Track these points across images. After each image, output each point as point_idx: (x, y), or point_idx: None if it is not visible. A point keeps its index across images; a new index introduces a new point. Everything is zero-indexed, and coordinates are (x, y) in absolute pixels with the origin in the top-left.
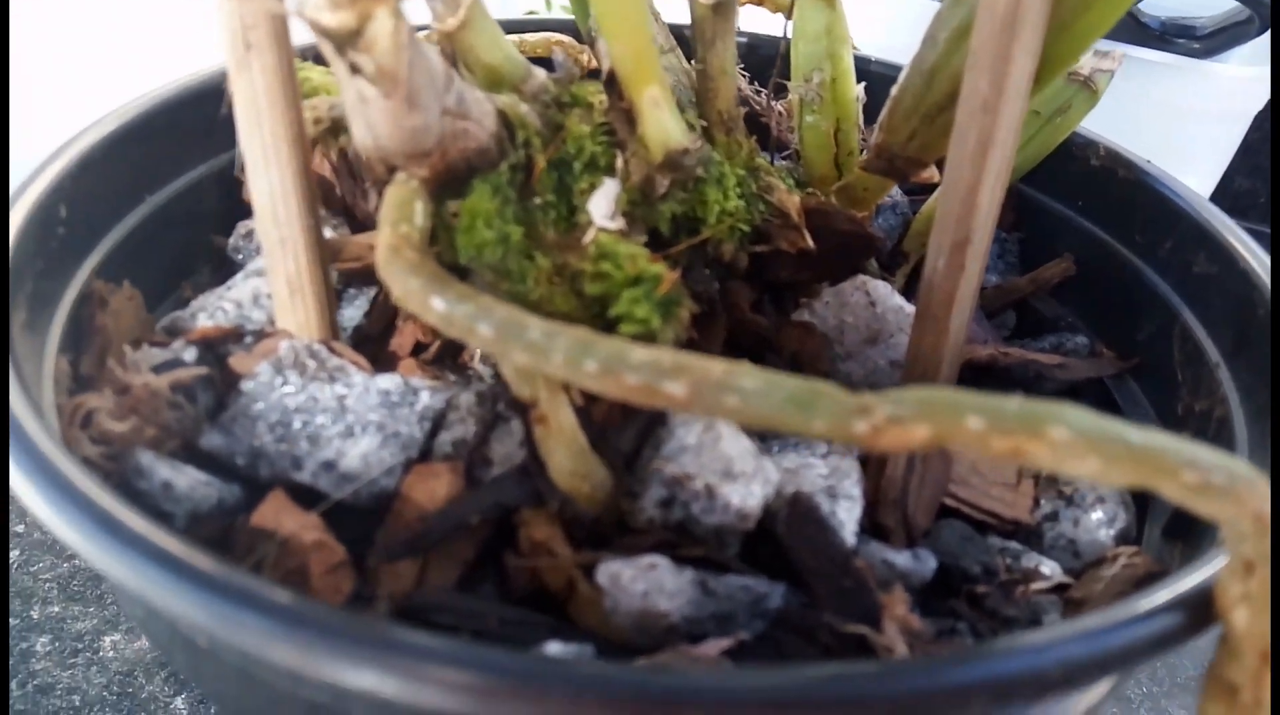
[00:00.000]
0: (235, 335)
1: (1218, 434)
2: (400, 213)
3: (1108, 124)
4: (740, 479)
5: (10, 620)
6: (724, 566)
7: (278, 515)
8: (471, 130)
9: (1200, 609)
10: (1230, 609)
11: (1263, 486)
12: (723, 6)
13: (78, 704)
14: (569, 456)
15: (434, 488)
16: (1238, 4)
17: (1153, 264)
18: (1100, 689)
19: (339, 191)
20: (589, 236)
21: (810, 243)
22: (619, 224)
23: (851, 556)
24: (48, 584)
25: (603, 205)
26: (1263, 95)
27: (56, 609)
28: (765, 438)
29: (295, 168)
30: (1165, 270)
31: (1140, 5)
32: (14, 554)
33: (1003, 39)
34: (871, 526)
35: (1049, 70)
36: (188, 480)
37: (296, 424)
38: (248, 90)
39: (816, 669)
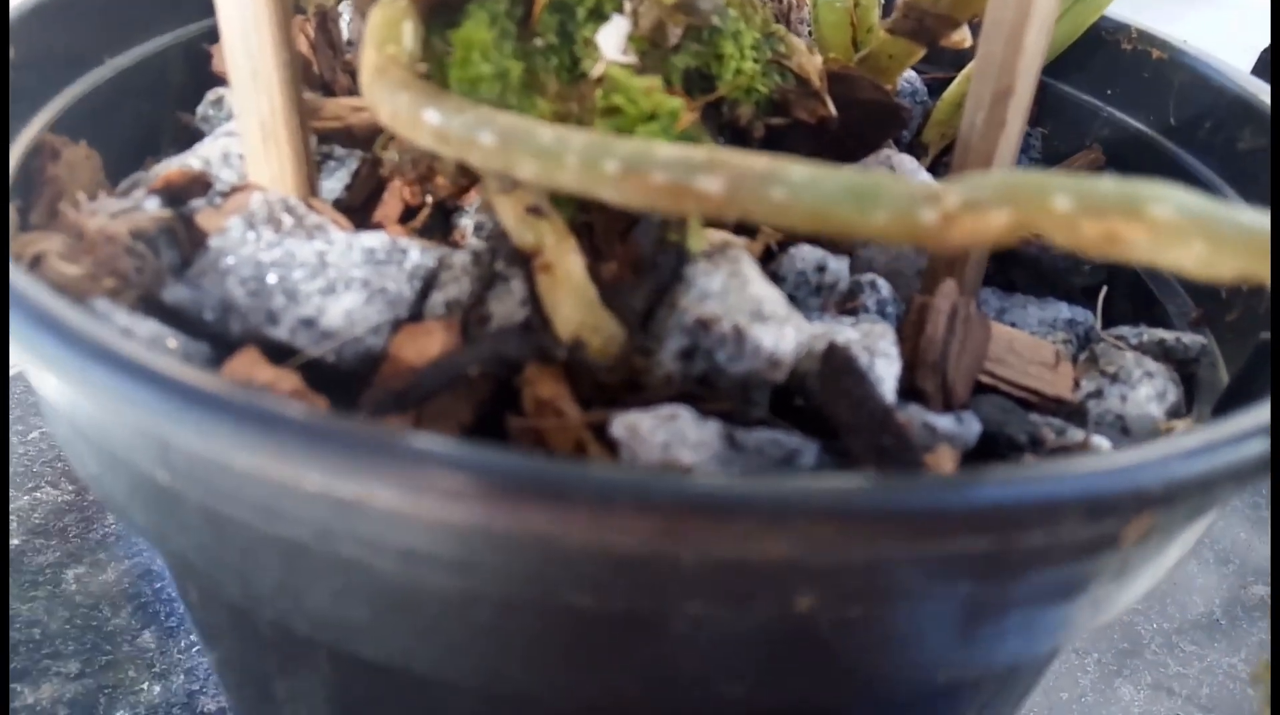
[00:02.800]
0: (202, 184)
1: (1264, 308)
2: (387, 33)
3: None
4: (772, 321)
5: None
6: (752, 419)
7: (251, 368)
8: None
9: None
10: None
11: None
12: None
13: (38, 637)
14: (577, 308)
15: (426, 346)
16: None
17: (1191, 147)
18: (1186, 542)
19: (317, 68)
20: (598, 70)
21: (832, 111)
22: (630, 58)
23: (892, 412)
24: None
25: (612, 38)
26: None
27: (16, 541)
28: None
29: None
30: (1206, 152)
31: None
32: None
33: None
34: (908, 392)
35: None
36: (149, 330)
37: (271, 278)
38: None
39: (871, 480)
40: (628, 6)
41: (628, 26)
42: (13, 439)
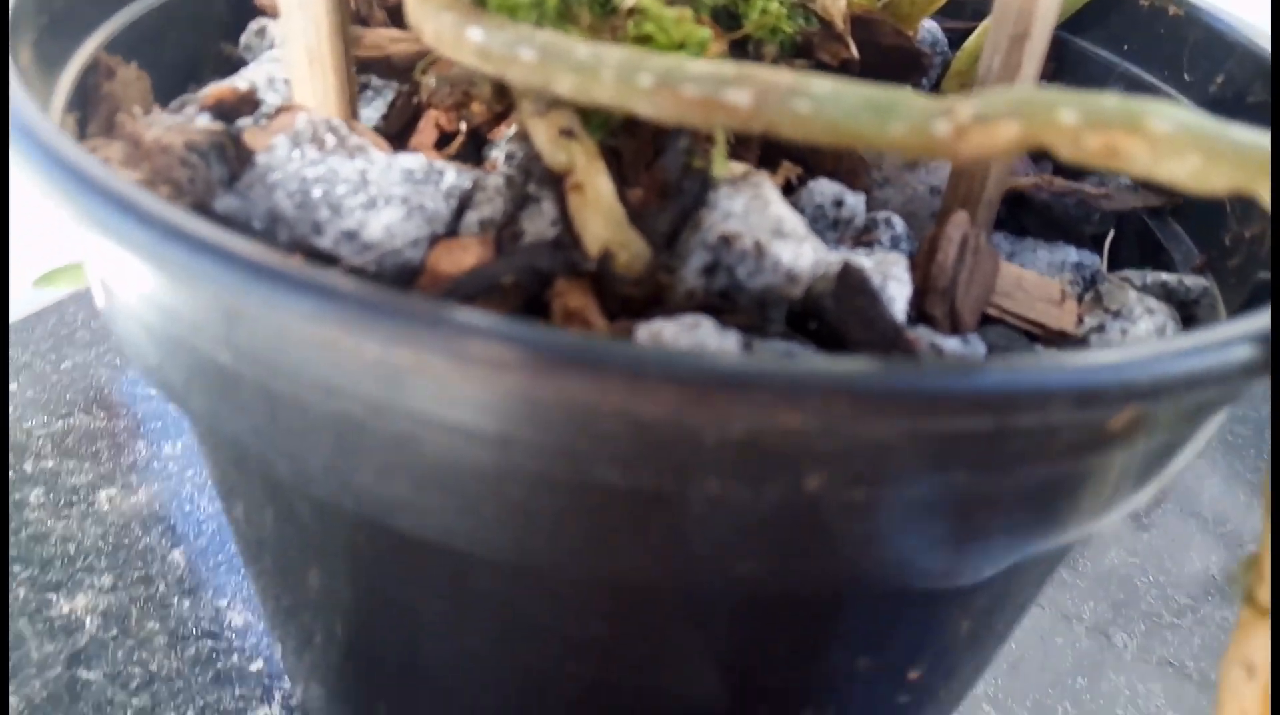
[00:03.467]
0: (250, 104)
1: (1264, 254)
2: None
3: None
4: (792, 239)
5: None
6: (769, 334)
7: None
8: None
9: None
10: None
11: None
12: None
13: (72, 552)
14: (605, 226)
15: (462, 259)
16: None
17: (1203, 100)
18: (1186, 449)
19: (353, 4)
20: (630, 0)
21: (854, 53)
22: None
23: (902, 330)
24: (40, 440)
25: None
26: None
27: (50, 463)
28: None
29: None
30: (1216, 106)
31: None
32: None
33: None
34: (918, 317)
35: None
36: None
37: (316, 193)
38: None
39: (885, 363)
40: None
41: None
42: (46, 367)
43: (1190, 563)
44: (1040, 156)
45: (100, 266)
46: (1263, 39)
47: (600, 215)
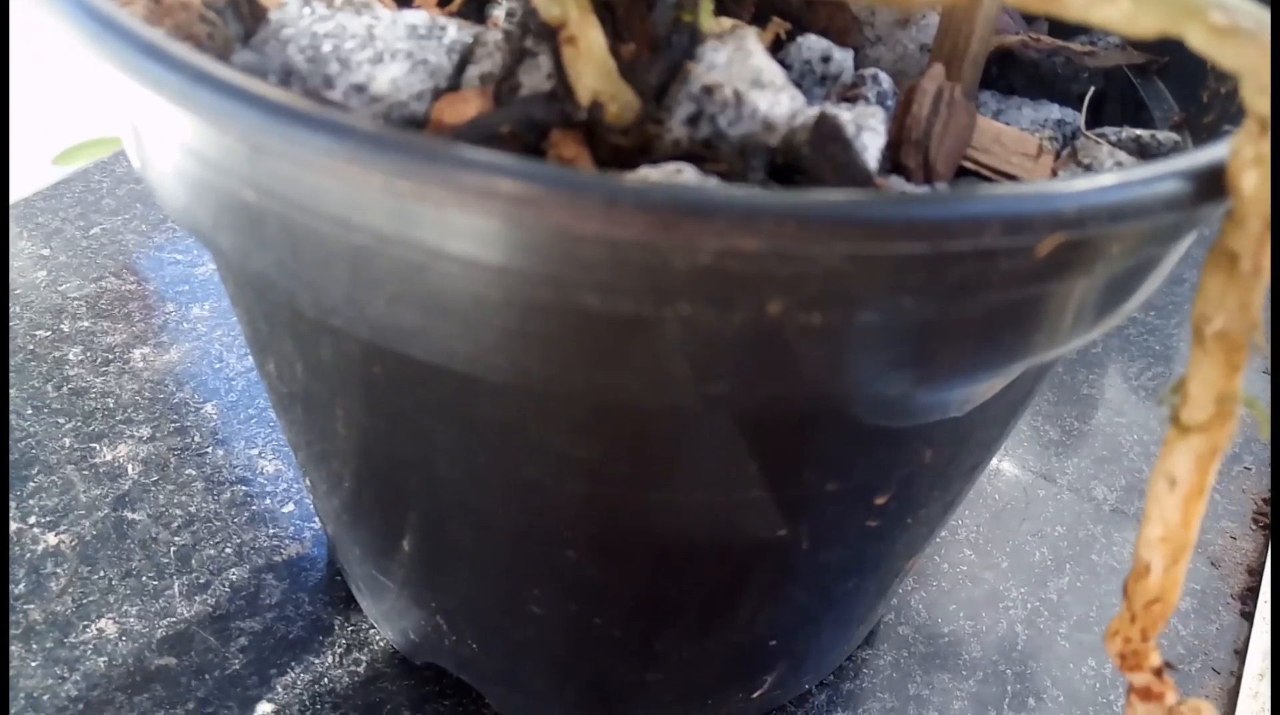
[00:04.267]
0: None
1: (1236, 110)
2: None
3: None
4: (769, 88)
5: (42, 332)
6: (749, 181)
7: None
8: None
9: (1213, 179)
10: (1240, 173)
11: None
12: None
13: (111, 406)
14: (597, 77)
15: (463, 109)
16: None
17: None
18: (1129, 288)
19: None
20: None
21: None
22: None
23: (872, 175)
24: (76, 302)
25: None
26: None
27: (86, 323)
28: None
29: None
30: None
31: None
32: (41, 274)
33: None
34: (893, 166)
35: None
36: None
37: (326, 47)
38: None
39: (849, 195)
40: None
41: None
42: (75, 233)
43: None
44: (1032, 18)
45: (133, 117)
46: None
47: (592, 66)
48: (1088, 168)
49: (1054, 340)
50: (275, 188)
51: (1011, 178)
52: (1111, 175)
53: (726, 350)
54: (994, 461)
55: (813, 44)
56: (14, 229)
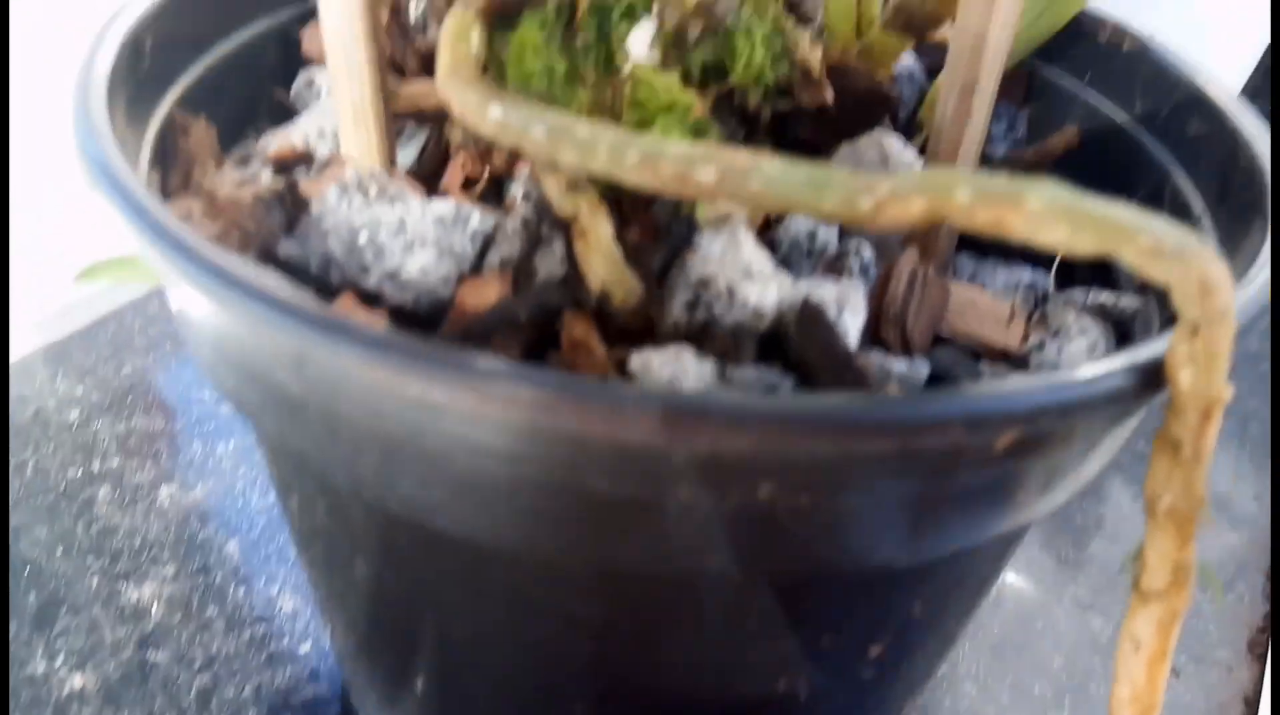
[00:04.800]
0: (305, 158)
1: None
2: (458, 37)
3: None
4: (758, 279)
5: (74, 471)
6: (741, 360)
7: (350, 310)
8: None
9: (1153, 373)
10: (1177, 369)
11: (1209, 253)
12: None
13: (138, 545)
14: (606, 266)
15: (484, 294)
16: None
17: (1151, 130)
18: (1091, 460)
19: (389, 49)
20: (627, 69)
21: (830, 97)
22: (654, 59)
23: (853, 356)
24: (106, 441)
25: (641, 42)
26: None
27: (115, 462)
28: (782, 264)
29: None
30: (1162, 135)
31: None
32: (74, 413)
33: None
34: (873, 340)
35: None
36: (270, 279)
37: (362, 237)
38: None
39: (822, 398)
40: (655, 9)
41: (654, 28)
42: (108, 373)
43: (1207, 536)
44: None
45: (187, 310)
46: (1202, 77)
47: (601, 257)
48: (1055, 333)
49: (1024, 510)
50: (318, 385)
51: (987, 344)
52: (1061, 374)
53: (723, 527)
54: (993, 591)
55: (799, 224)
56: (50, 369)
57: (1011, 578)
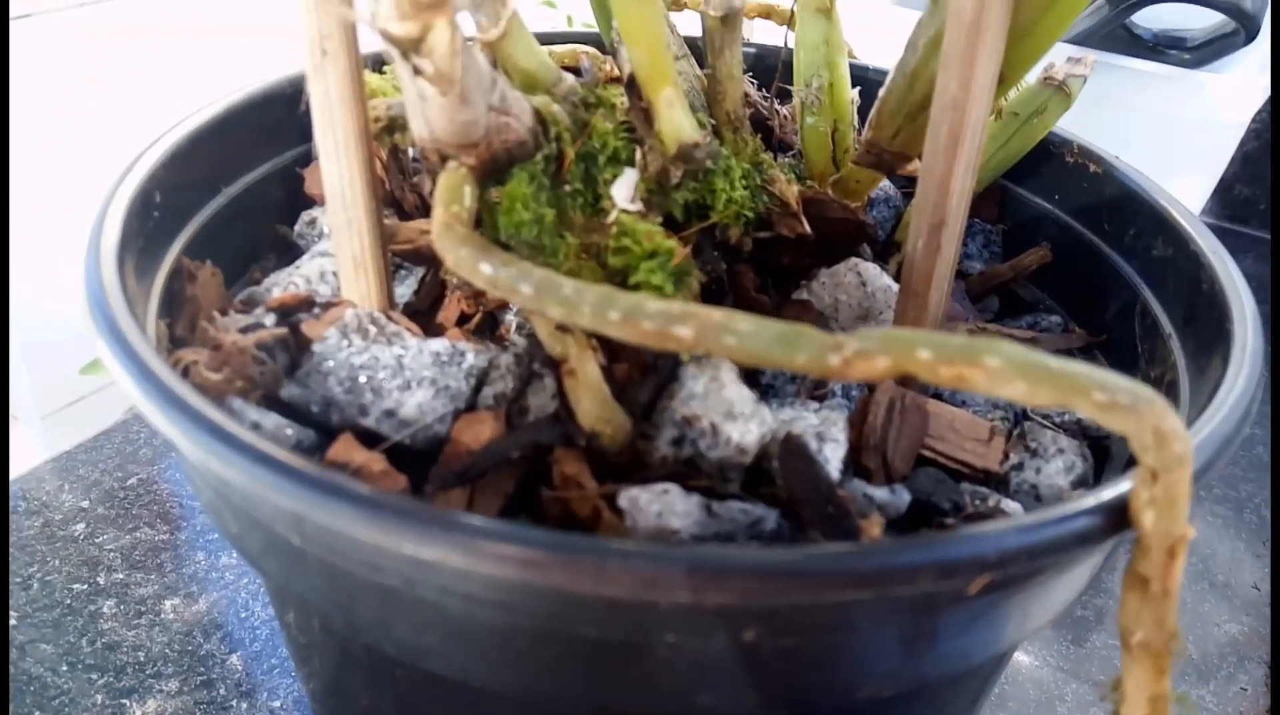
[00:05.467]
0: (307, 304)
1: (1167, 396)
2: (452, 195)
3: (1107, 132)
4: (740, 419)
5: (79, 586)
6: (726, 494)
7: (349, 451)
8: (512, 125)
9: (1118, 513)
10: (1140, 512)
11: (1160, 404)
12: (730, 19)
13: (142, 659)
14: (594, 403)
15: (479, 431)
16: (1224, 18)
17: (1118, 249)
18: (1066, 588)
19: (388, 186)
20: (612, 217)
21: (808, 229)
22: (638, 207)
23: (835, 488)
24: (112, 554)
25: (624, 190)
26: (1252, 104)
27: (120, 576)
28: (765, 394)
29: (361, 158)
30: (1129, 255)
31: (1134, 18)
32: (80, 526)
33: (969, 43)
34: (855, 468)
35: (1012, 72)
36: (272, 422)
37: (362, 378)
38: (323, 90)
39: (802, 549)
40: (638, 156)
41: (637, 178)
42: (113, 484)
43: (1208, 627)
44: (979, 295)
45: (196, 470)
46: (1165, 198)
47: (590, 395)
48: (1034, 452)
49: (1005, 638)
50: (316, 540)
51: (967, 464)
52: (1029, 517)
53: (712, 668)
54: (996, 689)
55: None
56: (57, 482)
57: (1014, 673)
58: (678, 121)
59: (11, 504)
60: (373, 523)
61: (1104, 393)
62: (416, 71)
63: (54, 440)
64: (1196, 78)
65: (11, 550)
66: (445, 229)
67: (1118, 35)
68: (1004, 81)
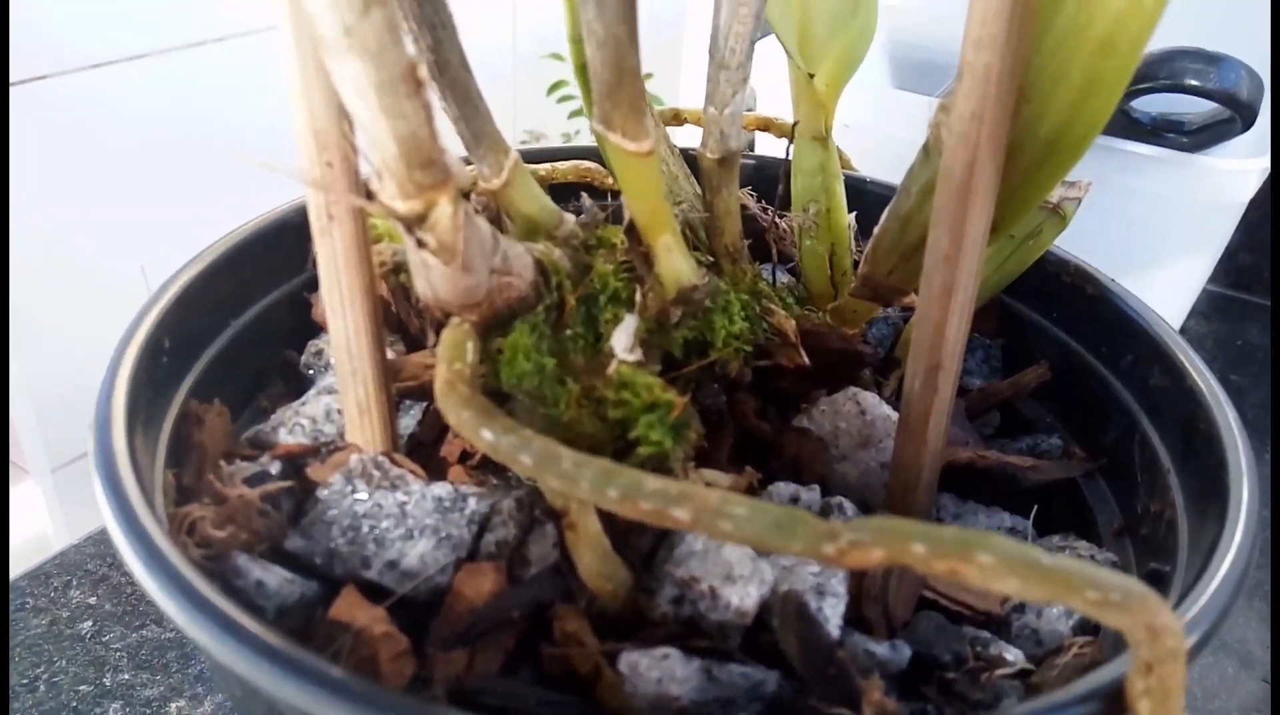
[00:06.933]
0: (313, 451)
1: (1166, 535)
2: (455, 352)
3: (1107, 215)
4: (739, 581)
5: (86, 687)
6: (727, 656)
7: (351, 610)
8: (514, 283)
9: (1114, 698)
10: (1136, 701)
11: (1152, 601)
12: (727, 160)
13: None
14: (595, 558)
15: (481, 584)
16: (1220, 105)
17: (1117, 374)
18: None
19: (395, 309)
20: (611, 368)
21: (806, 360)
22: (637, 356)
23: (835, 648)
24: (118, 653)
25: (623, 340)
26: (1250, 186)
27: (126, 676)
28: None
29: (367, 312)
30: (1127, 380)
31: (1132, 104)
32: (87, 625)
33: (959, 202)
34: (856, 619)
35: (1004, 224)
36: (276, 579)
37: (365, 528)
38: (329, 252)
39: None
40: (638, 296)
41: (636, 324)
42: (120, 580)
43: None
44: (979, 411)
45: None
46: (1163, 328)
47: (590, 549)
48: None
49: None
50: None
51: (969, 606)
52: (1029, 704)
53: None
54: None
55: (782, 489)
56: (64, 578)
57: None
58: (676, 266)
59: (19, 600)
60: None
61: (1096, 591)
62: (420, 244)
63: (65, 493)
64: (1195, 161)
65: (19, 650)
66: (448, 389)
67: (1116, 119)
68: (996, 231)
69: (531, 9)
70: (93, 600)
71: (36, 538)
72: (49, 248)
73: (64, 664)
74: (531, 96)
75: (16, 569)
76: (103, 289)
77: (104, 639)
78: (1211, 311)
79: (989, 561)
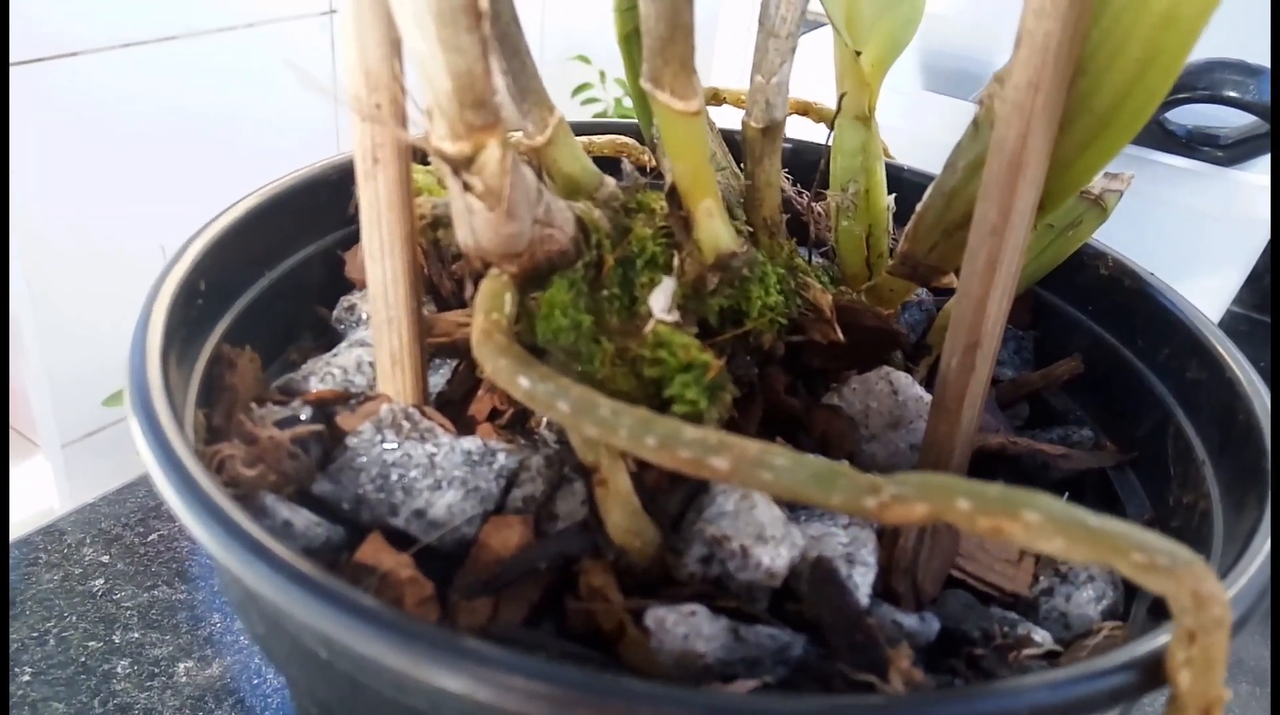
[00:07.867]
0: (343, 398)
1: (1199, 525)
2: (493, 303)
3: (1138, 226)
4: (770, 542)
5: (95, 643)
6: (754, 617)
7: (377, 554)
8: (555, 235)
9: (1153, 669)
10: (1176, 671)
11: (1200, 567)
12: (771, 130)
13: None
14: (624, 515)
15: (507, 537)
16: (1257, 119)
17: (1152, 367)
18: None
19: (427, 272)
20: (649, 327)
21: (840, 336)
22: (674, 317)
23: (864, 615)
24: (129, 612)
25: (661, 300)
26: None
27: (136, 635)
28: (794, 508)
29: (406, 260)
30: (1163, 374)
31: (1167, 115)
32: (99, 582)
33: (1010, 174)
34: (884, 591)
35: (1051, 201)
36: (303, 520)
37: (393, 476)
38: (372, 196)
39: (831, 700)
40: (676, 261)
41: (674, 286)
42: (133, 540)
43: None
44: (1009, 402)
45: (228, 577)
46: (1201, 321)
47: (620, 506)
48: (1064, 577)
49: None
50: (344, 656)
51: (997, 587)
52: (1064, 671)
53: None
54: None
55: None
56: (79, 535)
57: None
58: (716, 231)
59: (33, 555)
60: (402, 652)
61: (1143, 554)
62: (466, 187)
63: (73, 469)
64: (1229, 175)
65: (30, 603)
66: (485, 337)
67: (1151, 131)
68: (1043, 209)
69: (559, 12)
70: (105, 558)
71: (43, 512)
72: (69, 226)
73: (74, 619)
74: (556, 99)
75: (28, 529)
76: (122, 268)
77: (115, 597)
78: (1235, 333)
79: (1035, 519)
